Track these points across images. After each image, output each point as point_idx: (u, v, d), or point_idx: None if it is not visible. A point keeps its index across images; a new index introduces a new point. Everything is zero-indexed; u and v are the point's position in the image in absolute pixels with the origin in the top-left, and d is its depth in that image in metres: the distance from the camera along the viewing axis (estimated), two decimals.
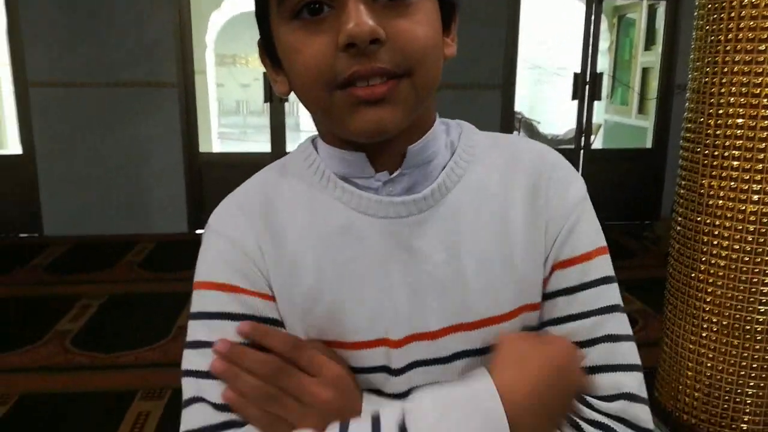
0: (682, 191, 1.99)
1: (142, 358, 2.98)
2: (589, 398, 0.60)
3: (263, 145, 9.37)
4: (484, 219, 0.63)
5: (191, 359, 0.61)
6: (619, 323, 0.63)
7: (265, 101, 5.16)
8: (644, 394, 0.62)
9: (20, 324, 3.36)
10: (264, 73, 4.97)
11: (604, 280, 0.63)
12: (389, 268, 0.61)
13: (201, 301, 0.62)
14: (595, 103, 5.37)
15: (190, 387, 0.60)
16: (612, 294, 0.64)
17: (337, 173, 0.63)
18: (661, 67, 5.34)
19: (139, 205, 5.00)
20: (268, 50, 0.62)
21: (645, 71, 7.15)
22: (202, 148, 5.29)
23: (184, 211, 5.10)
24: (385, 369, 0.62)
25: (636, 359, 0.63)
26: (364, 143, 0.59)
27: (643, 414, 0.60)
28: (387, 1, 0.53)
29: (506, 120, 5.26)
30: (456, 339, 0.62)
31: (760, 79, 1.69)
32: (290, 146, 5.33)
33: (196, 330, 0.61)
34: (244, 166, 5.56)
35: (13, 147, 8.12)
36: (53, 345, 3.08)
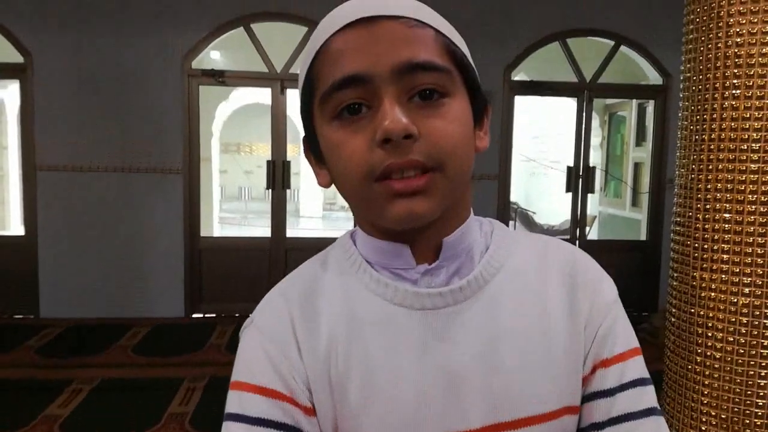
0: (675, 283, 2.03)
1: None
2: None
3: (263, 230, 9.47)
4: (523, 312, 0.63)
5: None
6: (659, 427, 0.63)
7: (267, 188, 5.28)
8: None
9: (9, 408, 3.28)
10: (268, 161, 5.14)
11: (642, 382, 0.64)
12: (423, 361, 0.60)
13: (241, 403, 0.61)
14: (589, 195, 5.50)
15: None
16: (650, 396, 0.64)
17: (376, 262, 0.65)
18: (652, 163, 5.51)
19: (137, 288, 5.00)
20: (312, 147, 0.65)
21: (637, 165, 7.36)
22: (203, 232, 5.36)
23: (181, 296, 5.09)
24: None
25: None
26: (402, 233, 0.61)
27: None
28: (420, 101, 0.57)
29: (502, 210, 5.37)
30: None
31: (744, 176, 1.77)
32: (290, 232, 5.40)
33: None
34: (243, 250, 5.62)
35: (16, 228, 8.21)
36: (41, 430, 3.00)
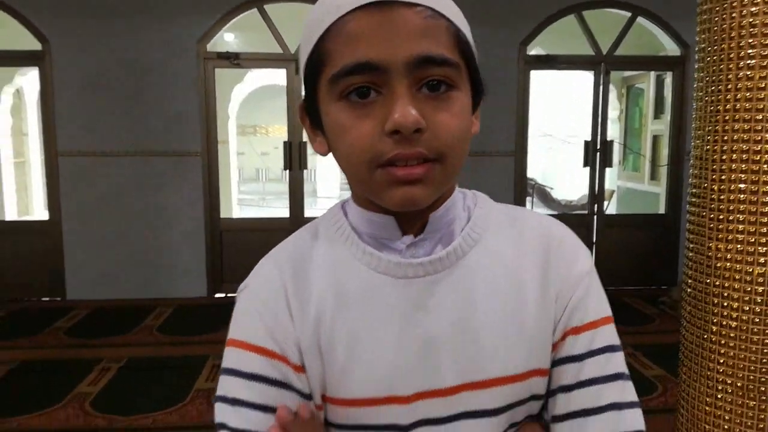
0: (690, 254, 2.04)
1: (160, 420, 2.99)
2: None
3: (282, 211, 9.54)
4: (497, 282, 0.67)
5: (227, 415, 0.65)
6: (624, 391, 0.67)
7: (285, 169, 5.32)
8: None
9: (41, 386, 3.40)
10: (284, 142, 5.18)
11: (610, 348, 0.67)
12: (403, 325, 0.65)
13: (238, 359, 0.66)
14: (607, 169, 5.47)
15: None
16: (618, 361, 0.67)
17: (366, 233, 0.69)
18: (671, 135, 5.46)
19: (160, 270, 5.11)
20: (311, 115, 0.67)
21: (655, 139, 7.27)
22: (223, 214, 5.44)
23: (203, 276, 5.19)
24: (394, 427, 0.65)
25: (640, 425, 0.66)
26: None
27: None
28: (428, 92, 0.59)
29: (520, 186, 5.37)
30: (466, 397, 0.65)
31: (759, 146, 1.77)
32: (308, 212, 5.45)
33: (232, 386, 0.65)
34: (262, 231, 5.69)
35: (40, 213, 8.38)
36: (73, 407, 3.11)
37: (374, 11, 0.58)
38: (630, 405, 0.66)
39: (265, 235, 5.38)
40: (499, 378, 0.65)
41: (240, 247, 5.34)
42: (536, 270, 0.69)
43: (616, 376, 0.67)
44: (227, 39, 5.87)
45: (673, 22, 5.12)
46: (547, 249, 0.70)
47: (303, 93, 0.69)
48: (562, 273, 0.69)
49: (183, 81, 4.94)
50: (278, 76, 11.29)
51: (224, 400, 0.66)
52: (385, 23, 0.58)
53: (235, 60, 5.04)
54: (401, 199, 0.61)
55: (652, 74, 7.17)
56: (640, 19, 5.17)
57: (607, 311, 0.69)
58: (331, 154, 0.68)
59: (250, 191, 13.57)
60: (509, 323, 0.66)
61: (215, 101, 5.18)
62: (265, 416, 0.64)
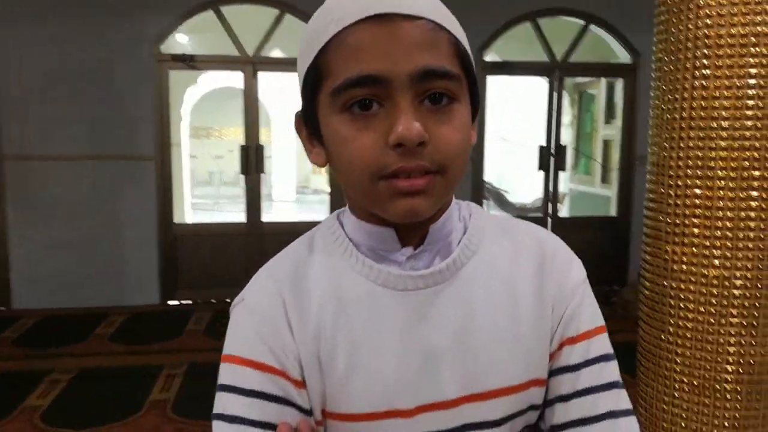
0: (648, 257, 2.09)
1: None
2: None
3: (237, 215, 9.40)
4: (495, 293, 0.67)
5: None
6: (619, 399, 0.68)
7: (242, 173, 5.25)
8: None
9: None
10: (241, 146, 5.10)
11: (605, 357, 0.69)
12: (404, 338, 0.65)
13: (235, 376, 0.64)
14: (561, 173, 5.59)
15: None
16: (612, 371, 0.69)
17: (364, 245, 0.68)
18: (622, 140, 5.61)
19: (111, 276, 4.96)
20: (309, 126, 0.67)
21: (606, 143, 7.48)
22: (176, 218, 5.32)
23: (156, 283, 5.06)
24: None
25: None
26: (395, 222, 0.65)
27: None
28: (430, 105, 0.59)
29: (476, 189, 5.43)
30: (468, 409, 0.65)
31: (714, 153, 1.83)
32: (265, 216, 5.38)
33: (231, 403, 0.64)
34: (218, 236, 5.59)
35: None
36: (21, 422, 2.99)
37: (377, 24, 0.58)
38: (625, 413, 0.67)
39: (220, 239, 5.29)
40: (500, 389, 0.66)
41: (195, 252, 5.23)
42: (532, 281, 0.69)
43: (611, 385, 0.68)
44: (182, 41, 5.75)
45: (624, 31, 5.27)
46: (542, 260, 0.70)
47: (301, 104, 0.68)
48: (558, 284, 0.69)
49: (136, 83, 4.82)
50: (232, 79, 11.15)
51: (223, 417, 0.64)
52: (388, 36, 0.57)
53: (190, 62, 4.94)
54: (404, 211, 0.60)
55: (604, 81, 7.36)
56: (592, 27, 5.31)
57: (601, 321, 0.71)
58: (323, 164, 0.68)
59: (203, 195, 13.32)
60: (508, 334, 0.67)
61: (169, 104, 5.07)
62: None
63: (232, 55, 5.07)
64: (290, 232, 4.78)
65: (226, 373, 0.65)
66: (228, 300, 5.18)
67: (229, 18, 4.95)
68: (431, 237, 0.67)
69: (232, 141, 14.82)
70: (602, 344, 0.69)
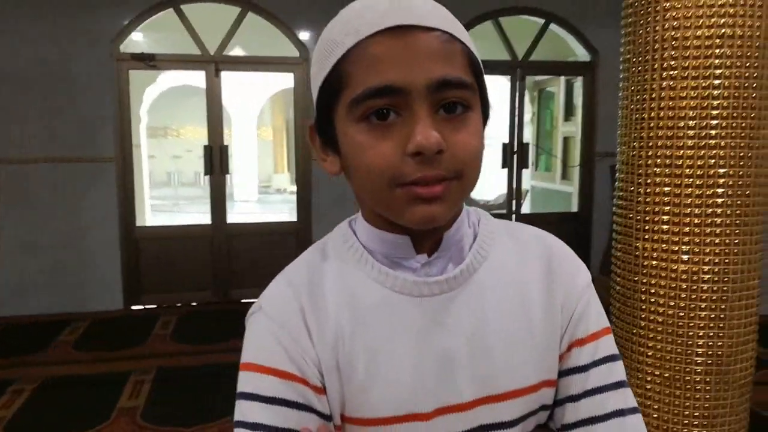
0: (618, 253, 2.15)
1: None
2: None
3: (198, 217, 9.25)
4: (507, 297, 0.69)
5: None
6: (626, 398, 0.70)
7: (206, 173, 5.17)
8: None
9: None
10: (205, 146, 5.03)
11: (612, 358, 0.71)
12: (421, 343, 0.66)
13: (256, 383, 0.65)
14: (523, 170, 5.68)
15: None
16: (619, 370, 0.71)
17: (379, 252, 0.69)
18: (582, 137, 5.73)
19: (73, 282, 4.82)
20: (323, 135, 0.68)
21: (566, 140, 7.63)
22: (138, 221, 5.21)
23: (120, 288, 4.95)
24: None
25: (642, 429, 0.70)
26: (408, 228, 0.66)
27: None
28: (446, 114, 0.61)
29: None
30: (484, 411, 0.67)
31: (681, 151, 1.89)
32: (230, 217, 5.31)
33: (252, 411, 0.64)
34: (183, 238, 5.47)
35: None
36: None
37: (394, 35, 0.59)
38: (632, 411, 0.70)
39: (185, 242, 5.20)
40: (513, 391, 0.67)
41: (159, 255, 5.13)
42: (541, 284, 0.71)
43: (619, 384, 0.70)
44: (142, 39, 5.62)
45: (583, 30, 5.38)
46: (550, 265, 0.72)
47: (315, 114, 0.68)
48: (566, 287, 0.71)
49: (95, 83, 4.69)
50: (191, 77, 10.97)
51: (244, 425, 0.64)
52: (406, 48, 0.59)
53: (151, 61, 4.84)
54: (422, 217, 0.62)
55: (562, 78, 7.50)
56: (552, 26, 5.40)
57: (606, 322, 0.73)
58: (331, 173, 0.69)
59: (162, 196, 13.08)
60: (520, 338, 0.69)
61: (129, 104, 4.96)
62: None
63: (194, 54, 4.99)
64: (258, 232, 4.78)
65: (246, 381, 0.65)
66: (194, 303, 5.11)
67: (190, 16, 4.86)
68: (445, 243, 0.69)
69: (190, 140, 14.58)
70: (609, 345, 0.72)
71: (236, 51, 5.82)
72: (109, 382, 3.52)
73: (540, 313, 0.70)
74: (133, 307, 5.01)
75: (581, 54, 5.60)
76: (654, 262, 1.99)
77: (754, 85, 1.83)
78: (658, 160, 1.95)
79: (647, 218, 2.00)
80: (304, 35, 5.00)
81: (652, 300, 2.00)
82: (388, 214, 0.65)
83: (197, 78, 5.07)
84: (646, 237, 2.00)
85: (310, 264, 0.72)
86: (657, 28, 1.89)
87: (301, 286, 0.69)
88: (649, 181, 1.98)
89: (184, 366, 3.84)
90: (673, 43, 1.86)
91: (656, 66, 1.91)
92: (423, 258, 0.68)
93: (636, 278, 2.04)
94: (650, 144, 1.96)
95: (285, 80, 11.49)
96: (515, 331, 0.69)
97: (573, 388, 0.70)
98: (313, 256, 0.73)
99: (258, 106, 12.84)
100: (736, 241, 1.89)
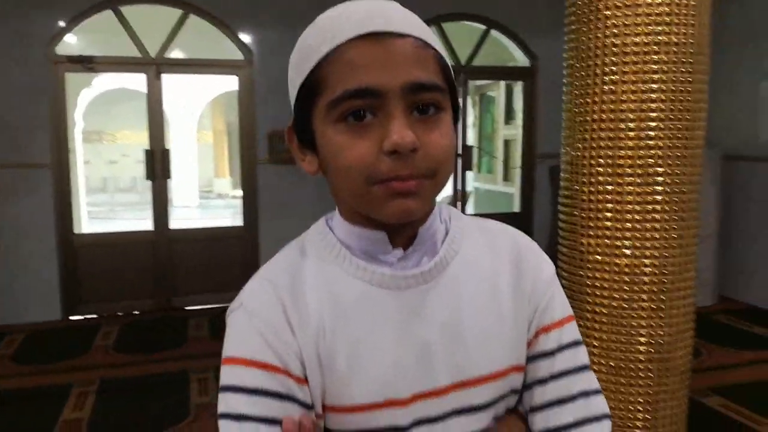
0: (564, 249, 2.24)
1: None
2: None
3: (137, 223, 9.00)
4: (477, 289, 0.73)
5: (234, 431, 0.65)
6: (590, 380, 0.76)
7: (147, 178, 5.05)
8: None
9: None
10: (146, 150, 4.92)
11: (576, 343, 0.76)
12: (400, 333, 0.69)
13: (239, 376, 0.66)
14: (468, 172, 5.81)
15: None
16: (582, 355, 0.76)
17: (356, 248, 0.72)
18: (524, 140, 5.90)
19: (8, 293, 4.62)
20: (300, 136, 0.71)
21: (507, 143, 7.83)
22: (75, 229, 5.03)
23: (57, 298, 4.77)
24: (394, 428, 0.69)
25: (605, 409, 0.75)
26: (385, 224, 0.69)
27: None
28: (419, 115, 0.64)
29: None
30: (458, 396, 0.71)
31: (623, 152, 1.99)
32: (171, 223, 5.20)
33: (235, 402, 0.66)
34: (124, 245, 5.31)
35: None
36: None
37: (371, 41, 0.62)
38: (596, 392, 0.75)
39: (126, 249, 5.06)
40: (485, 376, 0.72)
41: (98, 264, 4.96)
42: (509, 276, 0.76)
43: (583, 368, 0.75)
44: (77, 41, 5.43)
45: (523, 36, 5.54)
46: (518, 258, 0.77)
47: (292, 117, 0.71)
48: (533, 278, 0.76)
49: (30, 87, 4.51)
50: (126, 80, 10.66)
51: (228, 416, 0.66)
52: (383, 52, 0.62)
53: (89, 64, 4.70)
54: (399, 211, 0.65)
55: (503, 83, 7.70)
56: (493, 32, 5.55)
57: (570, 311, 0.78)
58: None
59: (97, 203, 12.64)
60: (491, 326, 0.73)
61: (65, 108, 4.80)
62: (270, 429, 0.65)
63: (134, 57, 4.87)
64: (201, 238, 4.71)
65: (229, 375, 0.67)
66: (136, 312, 4.97)
67: (129, 18, 4.75)
68: (420, 238, 0.72)
69: (126, 145, 14.15)
70: (572, 331, 0.77)
71: (176, 54, 5.71)
72: (52, 395, 3.40)
73: (509, 303, 0.74)
74: (72, 318, 4.84)
75: (521, 59, 5.77)
76: (598, 257, 2.09)
77: (689, 89, 1.95)
78: (601, 160, 2.05)
79: (591, 215, 2.09)
80: (246, 38, 4.96)
81: (597, 293, 2.10)
82: (366, 211, 0.68)
83: (134, 81, 4.95)
84: (591, 233, 2.10)
85: (289, 261, 0.74)
86: (599, 35, 1.99)
87: (281, 282, 0.71)
88: (592, 180, 2.08)
89: (128, 376, 3.74)
90: (614, 49, 1.96)
91: (598, 71, 2.01)
92: (399, 252, 0.71)
93: (581, 272, 2.14)
94: (593, 145, 2.06)
95: (226, 83, 11.34)
96: (487, 320, 0.73)
97: (540, 372, 0.74)
98: (292, 254, 0.75)
99: (198, 110, 12.61)
100: (675, 235, 2.00)
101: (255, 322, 0.68)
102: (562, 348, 0.75)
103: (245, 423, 0.65)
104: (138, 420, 3.10)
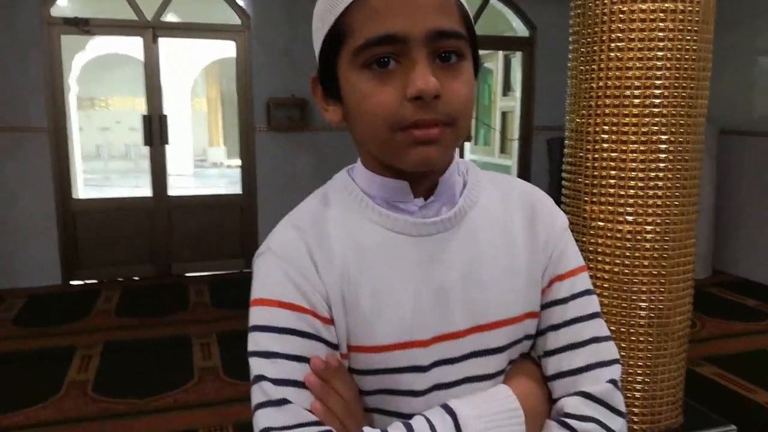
0: (567, 216, 2.27)
1: (34, 417, 2.78)
2: (583, 388, 0.74)
3: (132, 191, 8.97)
4: (495, 237, 0.76)
5: (265, 367, 0.68)
6: (601, 327, 0.78)
7: (145, 144, 5.04)
8: (620, 383, 0.77)
9: None
10: (144, 116, 4.90)
11: (588, 292, 0.79)
12: (420, 278, 0.72)
13: (268, 316, 0.69)
14: (466, 144, 5.82)
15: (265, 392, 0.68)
16: (594, 303, 0.79)
17: (378, 197, 0.75)
18: (522, 112, 5.90)
19: (6, 258, 4.63)
20: (325, 85, 0.73)
21: (504, 115, 7.82)
22: (74, 194, 5.03)
23: (57, 263, 4.79)
24: (415, 368, 0.72)
25: (616, 354, 0.78)
26: (407, 173, 0.72)
27: (621, 400, 0.76)
28: (441, 63, 0.66)
29: None
30: (475, 338, 0.74)
31: (627, 119, 2.01)
32: (171, 191, 5.21)
33: (265, 341, 0.69)
34: (121, 211, 5.32)
35: None
36: None
37: None
38: (606, 338, 0.78)
39: (125, 215, 5.06)
40: (501, 321, 0.75)
41: (97, 230, 4.98)
42: (524, 226, 0.79)
43: (594, 315, 0.78)
44: (67, 3, 5.36)
45: (522, 5, 5.51)
46: (532, 208, 0.80)
47: (318, 65, 0.73)
48: (547, 228, 0.79)
49: (25, 49, 4.46)
50: (119, 45, 10.50)
51: (259, 354, 0.68)
52: (405, 0, 0.64)
53: (84, 26, 4.64)
54: (421, 158, 0.67)
55: (501, 54, 7.66)
56: (492, 2, 5.51)
57: (582, 261, 0.81)
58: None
59: (92, 170, 12.55)
60: (507, 273, 0.76)
61: (62, 71, 4.75)
62: (300, 366, 0.68)
63: (130, 20, 4.82)
64: (199, 205, 4.75)
65: (259, 315, 0.70)
66: (136, 278, 5.00)
67: None
68: (441, 187, 0.75)
69: (119, 112, 14.00)
70: (585, 280, 0.80)
71: (171, 17, 5.64)
72: (56, 357, 3.45)
73: (524, 251, 0.77)
74: (72, 282, 4.87)
75: (520, 29, 5.74)
76: (601, 223, 2.13)
77: (694, 57, 1.97)
78: (605, 128, 2.07)
79: (594, 182, 2.12)
80: (244, 2, 4.91)
81: (599, 259, 2.14)
82: (388, 158, 0.70)
83: (127, 46, 4.89)
84: (594, 200, 2.13)
85: (313, 209, 0.76)
86: (605, 1, 1.99)
87: (307, 228, 0.73)
88: (596, 147, 2.10)
89: (132, 339, 3.79)
90: (621, 16, 1.97)
91: (604, 38, 2.02)
92: (420, 201, 0.74)
93: (584, 239, 2.17)
94: (597, 112, 2.08)
95: (220, 50, 11.19)
96: (503, 267, 0.76)
97: (554, 319, 0.77)
98: (315, 202, 0.78)
99: (191, 77, 12.46)
100: (676, 203, 2.04)
101: (282, 265, 0.71)
102: (575, 296, 0.77)
103: (276, 359, 0.68)
104: (143, 381, 3.15)
